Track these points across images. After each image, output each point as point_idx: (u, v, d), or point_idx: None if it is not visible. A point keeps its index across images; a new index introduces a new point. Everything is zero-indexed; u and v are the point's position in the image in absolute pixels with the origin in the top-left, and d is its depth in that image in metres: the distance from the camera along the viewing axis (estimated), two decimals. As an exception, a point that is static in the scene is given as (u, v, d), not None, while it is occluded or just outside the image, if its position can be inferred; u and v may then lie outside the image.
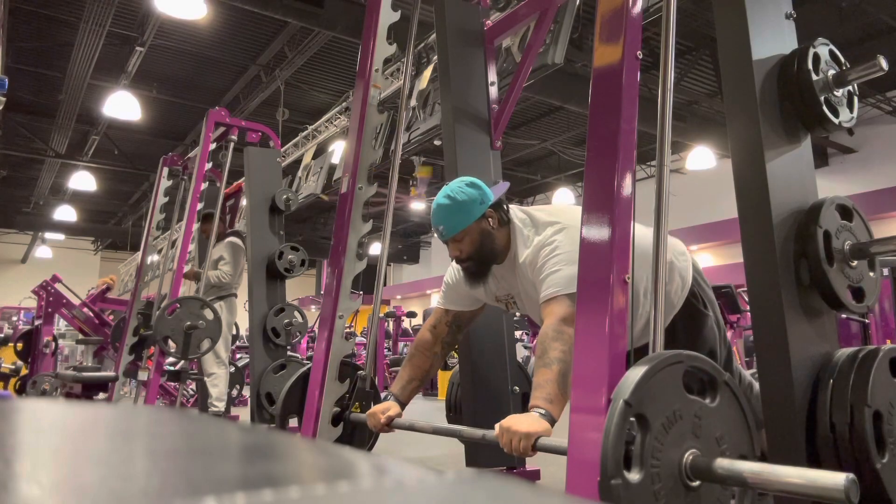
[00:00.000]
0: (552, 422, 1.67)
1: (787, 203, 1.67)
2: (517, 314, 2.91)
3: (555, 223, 1.99)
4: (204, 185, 4.85)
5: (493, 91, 3.02)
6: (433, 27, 3.46)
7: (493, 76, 3.05)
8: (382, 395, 2.64)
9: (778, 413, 1.60)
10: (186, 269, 4.79)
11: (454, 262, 2.17)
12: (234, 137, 4.78)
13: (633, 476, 1.20)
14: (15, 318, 15.22)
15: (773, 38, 1.77)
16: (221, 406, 4.76)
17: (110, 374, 5.15)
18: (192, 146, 10.17)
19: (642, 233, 1.60)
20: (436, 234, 2.15)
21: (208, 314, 4.14)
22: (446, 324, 2.34)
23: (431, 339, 2.32)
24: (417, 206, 11.82)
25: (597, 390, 1.44)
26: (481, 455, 2.62)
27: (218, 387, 4.73)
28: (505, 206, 2.12)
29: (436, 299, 2.56)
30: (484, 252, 2.07)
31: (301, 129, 9.71)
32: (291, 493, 0.25)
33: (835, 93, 1.74)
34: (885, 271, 4.52)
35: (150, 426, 0.52)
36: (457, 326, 2.36)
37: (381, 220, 2.90)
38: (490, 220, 2.06)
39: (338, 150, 8.67)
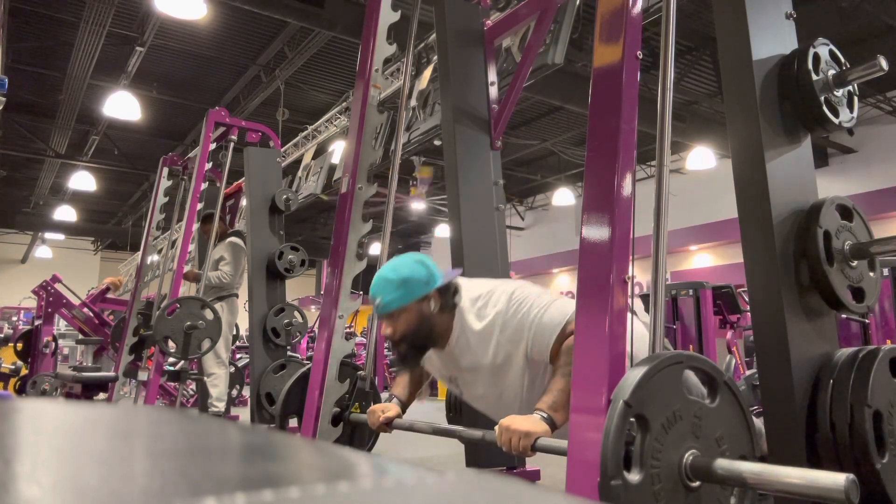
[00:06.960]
0: (553, 426, 1.65)
1: (787, 203, 1.67)
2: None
3: (497, 292, 1.91)
4: (204, 185, 4.85)
5: (493, 91, 3.02)
6: (433, 27, 3.46)
7: (493, 76, 3.05)
8: (383, 395, 2.64)
9: (778, 413, 1.59)
10: (186, 269, 4.79)
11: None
12: (234, 137, 4.79)
13: (633, 476, 1.20)
14: (15, 318, 15.23)
15: (773, 38, 1.77)
16: (221, 406, 4.75)
17: (110, 374, 5.16)
18: (192, 146, 10.16)
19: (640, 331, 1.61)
20: (372, 307, 2.00)
21: (208, 314, 4.14)
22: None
23: None
24: (417, 205, 11.81)
25: (597, 390, 1.44)
26: (481, 455, 2.62)
27: (218, 387, 4.72)
28: (453, 291, 1.95)
29: None
30: (419, 337, 1.92)
31: (301, 129, 9.70)
32: (291, 493, 0.25)
33: (835, 93, 1.74)
34: (885, 271, 4.52)
35: (150, 426, 0.52)
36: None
37: (381, 220, 2.90)
38: (432, 302, 1.90)
39: (338, 150, 8.66)
